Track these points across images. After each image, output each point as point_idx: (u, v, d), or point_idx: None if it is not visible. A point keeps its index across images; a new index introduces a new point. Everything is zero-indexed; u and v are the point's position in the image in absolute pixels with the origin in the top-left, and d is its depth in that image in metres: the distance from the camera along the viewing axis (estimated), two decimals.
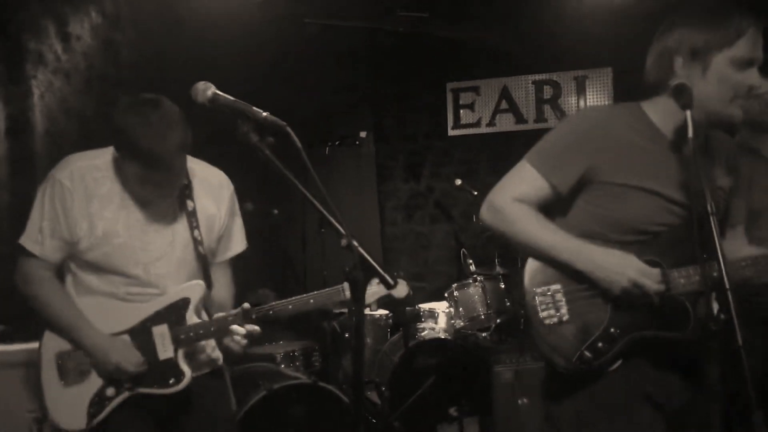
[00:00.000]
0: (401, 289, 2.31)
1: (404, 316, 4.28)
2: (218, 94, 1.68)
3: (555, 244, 1.87)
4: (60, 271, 2.22)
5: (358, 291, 1.46)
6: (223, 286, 2.37)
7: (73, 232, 2.12)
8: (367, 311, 4.51)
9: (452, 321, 4.49)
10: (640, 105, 1.93)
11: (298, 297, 2.19)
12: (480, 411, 4.08)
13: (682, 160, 1.86)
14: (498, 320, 4.29)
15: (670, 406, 1.89)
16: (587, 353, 1.84)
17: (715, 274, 1.70)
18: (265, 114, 1.61)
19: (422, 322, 4.62)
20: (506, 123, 5.62)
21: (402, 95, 5.74)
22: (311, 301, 2.18)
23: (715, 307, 1.85)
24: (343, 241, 1.45)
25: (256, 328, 2.17)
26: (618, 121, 1.90)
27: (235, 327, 2.15)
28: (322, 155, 5.00)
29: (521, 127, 5.56)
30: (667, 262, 1.84)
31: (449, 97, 5.71)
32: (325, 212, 1.50)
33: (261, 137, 1.55)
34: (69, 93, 3.65)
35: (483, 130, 5.68)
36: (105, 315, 2.16)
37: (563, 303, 1.87)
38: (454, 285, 4.45)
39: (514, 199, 1.91)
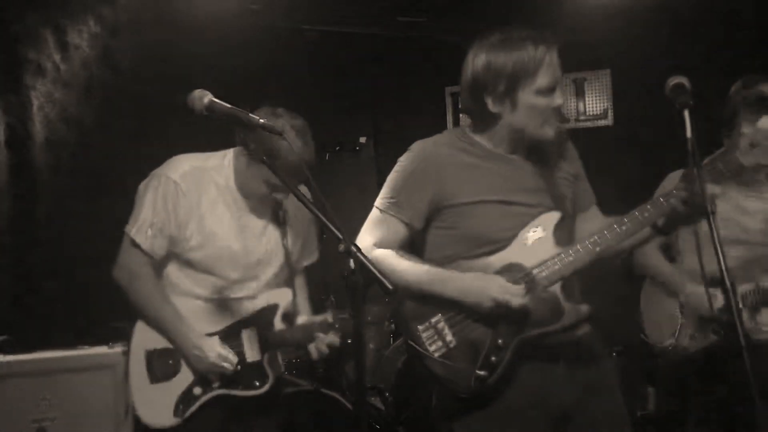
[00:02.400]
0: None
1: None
2: (215, 102, 1.70)
3: (421, 278, 1.96)
4: (158, 270, 2.27)
5: (357, 296, 1.46)
6: (303, 292, 2.47)
7: (181, 231, 2.20)
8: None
9: None
10: (465, 129, 2.06)
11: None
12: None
13: (518, 167, 2.01)
14: None
15: (564, 402, 1.96)
16: (481, 372, 1.90)
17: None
18: (261, 121, 1.62)
19: None
20: None
21: (401, 100, 5.74)
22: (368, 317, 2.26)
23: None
24: (341, 247, 1.46)
25: (336, 339, 2.23)
26: (446, 147, 2.03)
27: (321, 335, 2.21)
28: (322, 161, 5.01)
29: None
30: (530, 260, 1.92)
31: (448, 101, 5.71)
32: (323, 218, 1.50)
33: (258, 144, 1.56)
34: (68, 102, 3.66)
35: None
36: (197, 316, 2.25)
37: (447, 330, 1.93)
38: None
39: (374, 245, 2.01)
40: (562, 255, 1.92)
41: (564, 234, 2.00)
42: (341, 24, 5.00)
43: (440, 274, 1.96)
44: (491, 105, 1.95)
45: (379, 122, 5.79)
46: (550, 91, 1.92)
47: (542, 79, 1.90)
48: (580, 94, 5.49)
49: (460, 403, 1.97)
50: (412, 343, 1.97)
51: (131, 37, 4.00)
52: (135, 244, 2.21)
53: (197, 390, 2.20)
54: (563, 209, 2.00)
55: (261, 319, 2.26)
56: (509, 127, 1.98)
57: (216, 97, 1.68)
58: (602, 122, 5.35)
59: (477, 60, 1.96)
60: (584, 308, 1.98)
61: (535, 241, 1.94)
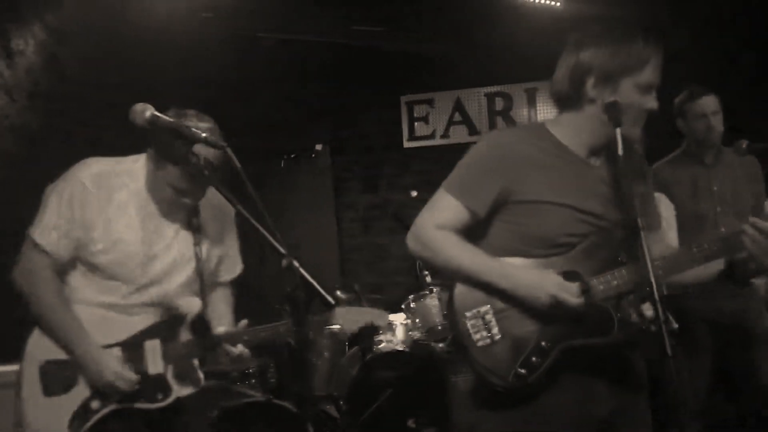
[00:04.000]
0: (384, 317, 2.38)
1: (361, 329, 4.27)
2: (157, 116, 1.67)
3: (477, 266, 1.94)
4: (61, 276, 2.18)
5: (300, 312, 1.46)
6: (225, 306, 2.38)
7: (87, 234, 2.11)
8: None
9: (410, 332, 4.49)
10: (544, 125, 2.03)
11: (271, 325, 2.17)
12: (438, 422, 4.09)
13: (593, 173, 1.98)
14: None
15: (599, 414, 1.95)
16: (521, 370, 1.89)
17: (638, 277, 1.80)
18: (204, 135, 1.60)
19: (380, 334, 4.62)
20: (460, 135, 5.67)
21: (358, 108, 5.76)
22: (282, 329, 2.17)
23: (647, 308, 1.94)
24: (284, 262, 1.45)
25: (246, 350, 2.16)
26: (524, 143, 1.99)
27: (227, 347, 2.14)
28: (278, 168, 5.00)
29: (475, 138, 5.54)
30: (587, 270, 1.91)
31: (404, 109, 5.75)
32: (264, 232, 1.49)
33: (201, 158, 1.54)
34: (13, 110, 3.57)
35: (437, 141, 5.73)
36: (98, 325, 2.14)
37: (494, 323, 1.93)
38: (411, 296, 4.46)
39: (436, 227, 1.99)
40: (623, 271, 1.90)
41: (625, 252, 1.97)
42: (297, 32, 4.99)
43: (497, 263, 1.94)
44: (590, 88, 1.91)
45: (335, 130, 5.80)
46: (649, 89, 1.91)
47: (646, 75, 1.89)
48: (532, 103, 5.59)
49: (492, 398, 1.95)
50: (454, 328, 1.95)
51: (78, 44, 3.93)
52: (38, 246, 2.11)
53: (95, 404, 2.09)
54: (629, 225, 1.93)
55: (165, 330, 2.18)
56: (598, 119, 1.92)
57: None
58: None
59: (584, 46, 1.92)
60: (635, 327, 1.91)
61: (596, 253, 1.94)
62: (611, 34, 1.91)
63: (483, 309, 1.94)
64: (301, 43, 5.14)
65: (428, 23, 5.14)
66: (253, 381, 3.62)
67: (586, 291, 1.88)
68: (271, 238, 1.51)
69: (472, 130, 5.67)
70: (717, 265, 2.01)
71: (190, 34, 4.38)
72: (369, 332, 4.51)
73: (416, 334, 4.41)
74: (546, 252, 1.94)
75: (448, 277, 2.01)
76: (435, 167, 5.68)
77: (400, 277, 5.64)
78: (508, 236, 1.98)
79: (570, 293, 1.86)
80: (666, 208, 2.94)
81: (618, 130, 1.81)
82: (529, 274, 1.91)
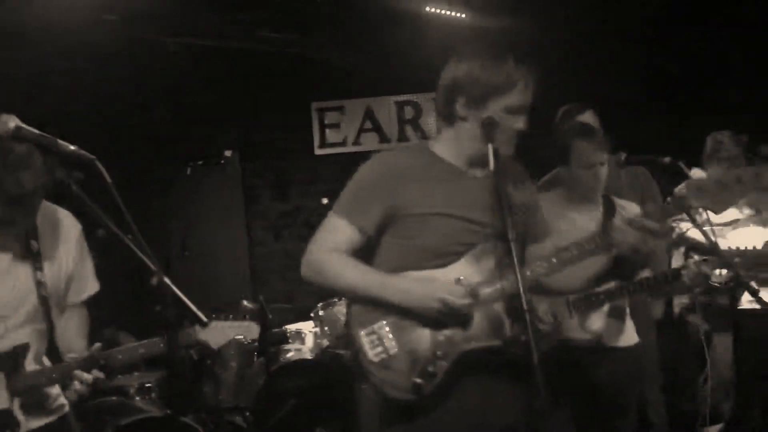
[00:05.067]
0: (253, 330, 2.30)
1: (265, 339, 4.22)
2: (21, 127, 1.60)
3: (364, 282, 1.99)
4: None
5: (172, 329, 1.43)
6: (76, 328, 2.22)
7: None
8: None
9: (318, 341, 4.48)
10: (425, 143, 2.13)
11: (130, 346, 2.08)
12: (346, 430, 4.10)
13: (476, 184, 2.04)
14: None
15: (503, 422, 2.00)
16: (418, 380, 1.93)
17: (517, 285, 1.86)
18: (72, 147, 1.55)
19: (289, 343, 4.58)
20: (371, 142, 5.71)
21: (268, 114, 5.70)
22: (141, 351, 2.05)
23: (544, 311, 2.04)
24: (153, 280, 1.41)
25: (101, 375, 2.06)
26: (406, 160, 2.08)
27: (78, 373, 2.04)
28: (184, 176, 4.88)
29: (385, 146, 5.66)
30: (476, 276, 1.98)
31: (315, 116, 5.74)
32: (135, 248, 1.45)
33: (68, 171, 1.49)
34: None
35: (349, 149, 5.75)
36: None
37: (390, 338, 1.96)
38: (320, 304, 4.45)
39: (327, 250, 2.03)
40: (509, 275, 1.95)
41: (514, 258, 1.99)
42: (203, 37, 4.91)
43: (386, 278, 1.99)
44: (460, 108, 1.98)
45: (245, 136, 5.72)
46: (518, 111, 1.98)
47: (514, 98, 1.96)
48: (425, 114, 5.69)
49: (394, 412, 1.99)
50: (352, 345, 1.99)
51: None
52: None
53: None
54: (515, 233, 1.98)
55: (8, 362, 2.08)
56: (472, 135, 2.00)
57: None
58: None
59: (459, 66, 1.99)
60: (524, 327, 1.95)
61: (484, 260, 2.00)
62: (481, 56, 1.97)
63: (378, 325, 1.97)
64: (208, 48, 5.05)
65: (338, 31, 5.15)
66: (153, 395, 3.53)
67: (474, 294, 1.94)
68: (141, 254, 1.47)
69: (383, 138, 5.73)
70: (594, 268, 2.15)
71: (92, 35, 4.24)
72: (276, 341, 4.49)
73: (325, 342, 4.41)
74: (436, 263, 1.99)
75: (342, 297, 2.05)
76: (346, 174, 5.65)
77: (311, 286, 5.60)
78: (399, 251, 2.03)
79: (457, 296, 1.91)
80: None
81: (490, 146, 1.89)
82: (418, 285, 1.97)
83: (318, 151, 5.75)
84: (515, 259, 1.79)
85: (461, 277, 1.97)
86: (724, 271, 3.82)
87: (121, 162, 2.45)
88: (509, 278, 1.94)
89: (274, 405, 4.01)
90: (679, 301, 4.11)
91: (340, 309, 4.36)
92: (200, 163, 4.82)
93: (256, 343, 4.56)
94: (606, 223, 2.77)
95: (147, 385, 3.53)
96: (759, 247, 3.74)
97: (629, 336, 2.77)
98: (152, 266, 1.47)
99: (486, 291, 1.96)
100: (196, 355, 4.03)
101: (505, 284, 1.96)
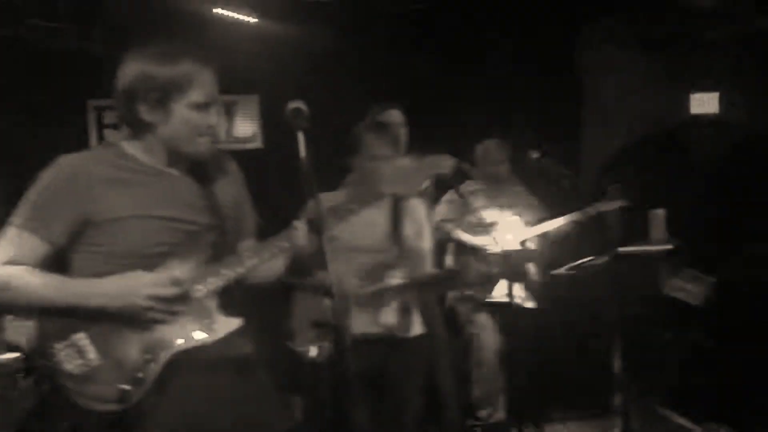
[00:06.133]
0: None
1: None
2: None
3: (61, 292, 1.89)
4: None
5: None
6: None
7: None
8: None
9: None
10: (119, 144, 2.03)
11: None
12: None
13: (177, 182, 2.02)
14: None
15: (216, 426, 1.96)
16: (127, 386, 1.86)
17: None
18: None
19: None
20: None
21: (39, 112, 5.20)
22: None
23: None
24: None
25: None
26: (97, 163, 1.98)
27: None
28: None
29: None
30: (186, 276, 1.96)
31: (91, 115, 5.37)
32: None
33: None
34: None
35: None
36: None
37: (89, 348, 1.87)
38: None
39: (8, 264, 1.89)
40: (218, 269, 1.98)
41: (224, 253, 2.03)
42: None
43: (82, 284, 1.90)
44: (144, 114, 1.93)
45: (11, 135, 5.16)
46: (204, 107, 1.95)
47: (196, 95, 1.93)
48: (230, 116, 5.62)
49: (104, 428, 1.87)
50: (45, 362, 1.84)
51: None
52: None
53: None
54: (222, 228, 2.03)
55: None
56: (163, 137, 1.96)
57: None
58: (251, 145, 5.55)
59: (131, 68, 1.92)
60: (236, 321, 2.02)
61: (191, 256, 1.96)
62: (153, 57, 1.93)
63: (76, 337, 1.87)
64: None
65: (120, 26, 4.88)
66: None
67: (180, 282, 1.92)
68: None
69: None
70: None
71: None
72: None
73: None
74: (140, 266, 1.92)
75: (33, 314, 1.90)
76: None
77: None
78: (95, 260, 1.94)
79: (163, 285, 1.89)
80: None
81: (299, 134, 1.93)
82: (117, 284, 1.89)
83: None
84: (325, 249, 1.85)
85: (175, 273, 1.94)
86: (483, 266, 4.29)
87: None
88: (220, 273, 1.97)
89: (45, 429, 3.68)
90: (451, 294, 4.51)
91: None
92: None
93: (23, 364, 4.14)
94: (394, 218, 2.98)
95: None
96: (517, 245, 4.25)
97: (417, 327, 3.00)
98: None
99: (198, 288, 1.95)
100: None
101: (215, 280, 1.97)
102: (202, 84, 1.94)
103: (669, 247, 3.67)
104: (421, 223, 3.09)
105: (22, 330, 3.98)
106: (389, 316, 2.90)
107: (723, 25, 5.29)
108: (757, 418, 4.13)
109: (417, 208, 3.08)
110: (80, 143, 5.33)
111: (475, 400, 4.53)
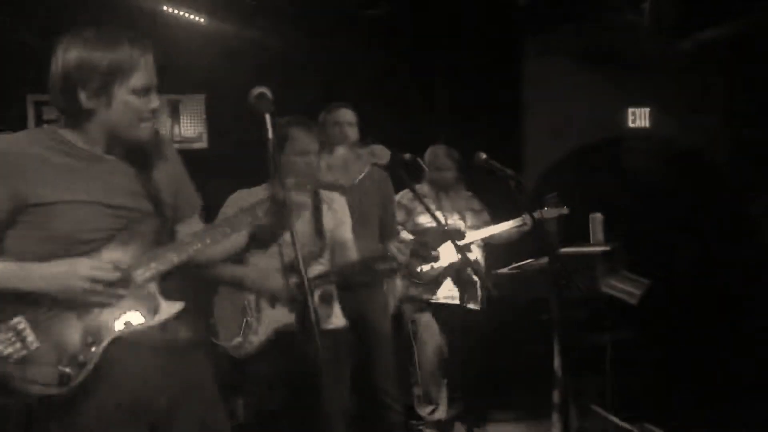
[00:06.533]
0: None
1: None
2: None
3: None
4: None
5: None
6: None
7: None
8: None
9: None
10: (56, 130, 2.01)
11: None
12: None
13: (115, 168, 2.00)
14: None
15: (157, 405, 2.00)
16: (67, 369, 1.85)
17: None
18: None
19: None
20: None
21: None
22: None
23: None
24: None
25: None
26: (32, 145, 1.96)
27: None
28: None
29: None
30: (126, 261, 1.97)
31: (31, 109, 5.22)
32: None
33: None
34: None
35: None
36: None
37: (28, 332, 1.86)
38: None
39: None
40: (160, 254, 1.98)
41: (162, 238, 2.05)
42: None
43: (19, 266, 1.86)
44: (85, 101, 1.90)
45: None
46: (145, 92, 1.94)
47: (138, 80, 1.91)
48: (175, 115, 5.55)
49: (42, 416, 1.85)
50: None
51: None
52: None
53: None
54: (162, 214, 2.03)
55: None
56: (104, 124, 1.93)
57: None
58: (197, 145, 5.50)
59: (69, 54, 1.88)
60: (178, 305, 2.03)
61: (131, 242, 1.97)
62: (91, 42, 1.91)
63: (14, 321, 1.85)
64: None
65: (64, 19, 4.77)
66: None
67: (125, 273, 1.93)
68: None
69: None
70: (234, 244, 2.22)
71: None
72: None
73: None
74: (77, 252, 1.92)
75: None
76: None
77: None
78: (29, 243, 1.92)
79: (106, 270, 1.89)
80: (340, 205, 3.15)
81: (267, 116, 1.97)
82: (57, 267, 1.87)
83: None
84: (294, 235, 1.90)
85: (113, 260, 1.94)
86: (427, 267, 4.38)
87: None
88: (161, 258, 1.98)
89: None
90: (396, 294, 4.58)
91: None
92: None
93: None
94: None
95: None
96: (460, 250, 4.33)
97: (338, 319, 3.03)
98: None
99: (138, 272, 1.96)
100: None
101: (157, 264, 1.98)
102: (144, 68, 1.92)
103: (607, 248, 3.81)
104: (341, 214, 3.14)
105: None
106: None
107: (657, 42, 5.55)
108: (690, 419, 4.33)
109: (337, 200, 3.14)
110: None
111: (417, 399, 4.58)
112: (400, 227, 4.40)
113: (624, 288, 3.66)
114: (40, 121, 5.23)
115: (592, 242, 3.96)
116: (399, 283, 4.52)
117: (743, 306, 5.40)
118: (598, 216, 3.97)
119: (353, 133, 3.70)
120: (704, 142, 5.85)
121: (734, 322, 5.29)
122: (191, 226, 2.17)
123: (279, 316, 2.85)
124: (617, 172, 5.72)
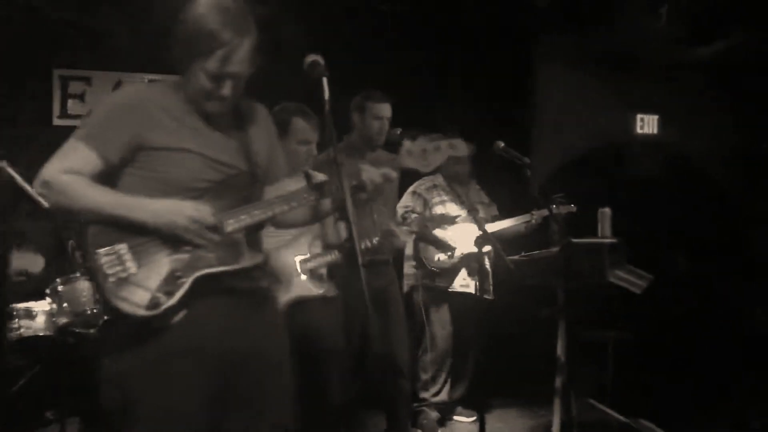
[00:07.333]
0: None
1: None
2: None
3: (109, 202, 2.05)
4: None
5: None
6: None
7: None
8: None
9: (54, 318, 4.17)
10: (179, 83, 2.14)
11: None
12: (83, 410, 3.89)
13: (218, 128, 2.16)
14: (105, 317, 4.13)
15: (234, 346, 2.13)
16: (158, 294, 2.02)
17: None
18: None
19: (15, 321, 4.19)
20: None
21: (2, 76, 5.13)
22: None
23: None
24: None
25: None
26: (155, 95, 2.14)
27: None
28: None
29: None
30: (219, 209, 2.11)
31: (57, 83, 5.32)
32: None
33: None
34: None
35: None
36: None
37: (129, 258, 2.04)
38: (59, 279, 4.15)
39: (64, 171, 2.04)
40: (250, 209, 2.14)
41: (253, 196, 2.20)
42: None
43: (131, 199, 2.04)
44: (178, 60, 2.07)
45: None
46: (219, 78, 2.04)
47: (214, 63, 2.01)
48: None
49: (129, 336, 2.03)
50: (89, 265, 2.00)
51: None
52: None
53: None
54: (255, 173, 2.19)
55: None
56: (199, 82, 2.05)
57: None
58: None
59: (186, 16, 2.04)
60: (260, 256, 2.22)
61: (226, 196, 2.12)
62: (194, 17, 2.05)
63: (118, 246, 2.03)
64: None
65: None
66: None
67: (218, 219, 2.08)
68: None
69: None
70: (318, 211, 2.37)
71: None
72: None
73: (62, 320, 4.12)
74: (179, 197, 2.07)
75: (82, 220, 2.07)
76: None
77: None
78: (141, 184, 2.09)
79: (206, 214, 2.05)
80: None
81: (324, 79, 2.07)
82: (163, 203, 2.05)
83: (57, 122, 5.31)
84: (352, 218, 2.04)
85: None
86: (444, 257, 4.49)
87: None
88: (250, 213, 2.13)
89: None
90: (408, 282, 4.70)
91: (83, 284, 4.14)
92: None
93: None
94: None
95: None
96: (471, 241, 4.45)
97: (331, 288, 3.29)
98: None
99: (230, 221, 2.11)
100: None
101: (246, 216, 2.13)
102: (225, 56, 2.01)
103: (614, 241, 3.94)
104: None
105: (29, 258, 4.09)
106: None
107: (667, 51, 5.67)
108: (688, 415, 4.42)
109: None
110: (42, 110, 5.28)
111: (422, 384, 4.69)
112: (414, 215, 4.52)
113: (629, 278, 3.78)
114: (64, 96, 5.33)
115: (600, 235, 4.08)
116: (414, 271, 4.64)
117: (743, 306, 5.50)
118: (606, 210, 4.11)
119: (387, 127, 3.88)
120: (712, 151, 5.91)
121: (734, 323, 5.39)
122: (279, 188, 2.32)
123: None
124: (622, 176, 5.83)
